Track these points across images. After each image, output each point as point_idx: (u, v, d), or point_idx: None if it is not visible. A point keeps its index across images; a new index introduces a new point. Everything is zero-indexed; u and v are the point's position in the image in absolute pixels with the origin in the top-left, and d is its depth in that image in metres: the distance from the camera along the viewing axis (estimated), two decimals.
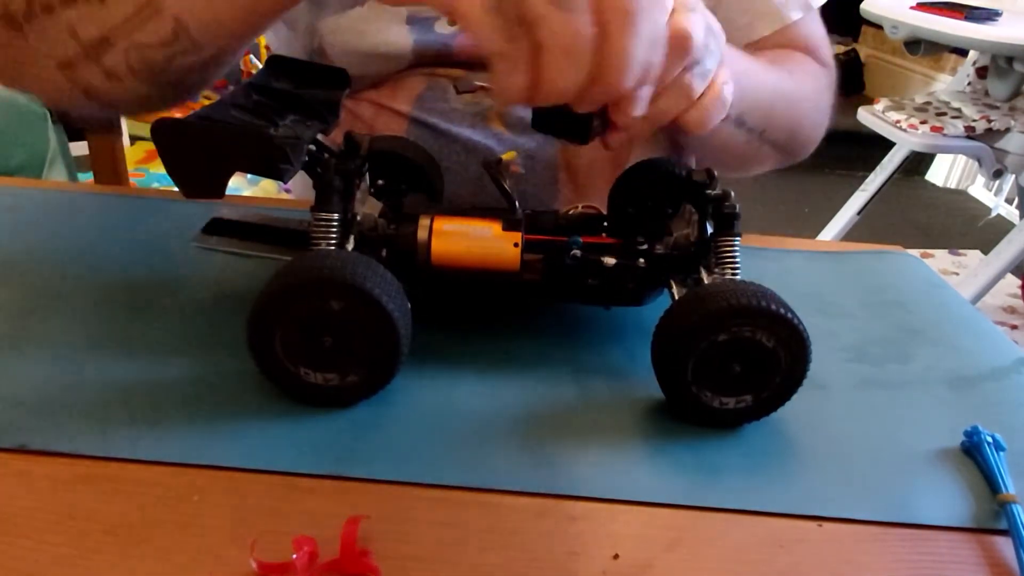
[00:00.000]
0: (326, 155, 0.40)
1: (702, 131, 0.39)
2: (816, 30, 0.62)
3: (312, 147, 0.39)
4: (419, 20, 0.54)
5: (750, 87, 0.50)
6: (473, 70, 0.55)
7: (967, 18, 1.72)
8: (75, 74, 0.44)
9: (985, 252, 1.91)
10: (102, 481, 0.31)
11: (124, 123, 2.15)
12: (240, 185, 2.04)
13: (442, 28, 0.55)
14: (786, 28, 0.59)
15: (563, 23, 0.30)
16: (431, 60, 0.55)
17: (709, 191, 0.40)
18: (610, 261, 0.40)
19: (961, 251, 2.31)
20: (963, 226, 2.52)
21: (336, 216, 0.38)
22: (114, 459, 0.33)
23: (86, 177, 0.93)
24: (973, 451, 0.37)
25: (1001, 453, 0.36)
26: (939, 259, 2.25)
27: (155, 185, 2.15)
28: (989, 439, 0.36)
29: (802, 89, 0.58)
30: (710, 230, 0.40)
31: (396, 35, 0.54)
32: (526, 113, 0.55)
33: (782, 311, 0.34)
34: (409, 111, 0.56)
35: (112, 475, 0.32)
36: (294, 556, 0.28)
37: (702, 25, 0.36)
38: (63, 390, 0.36)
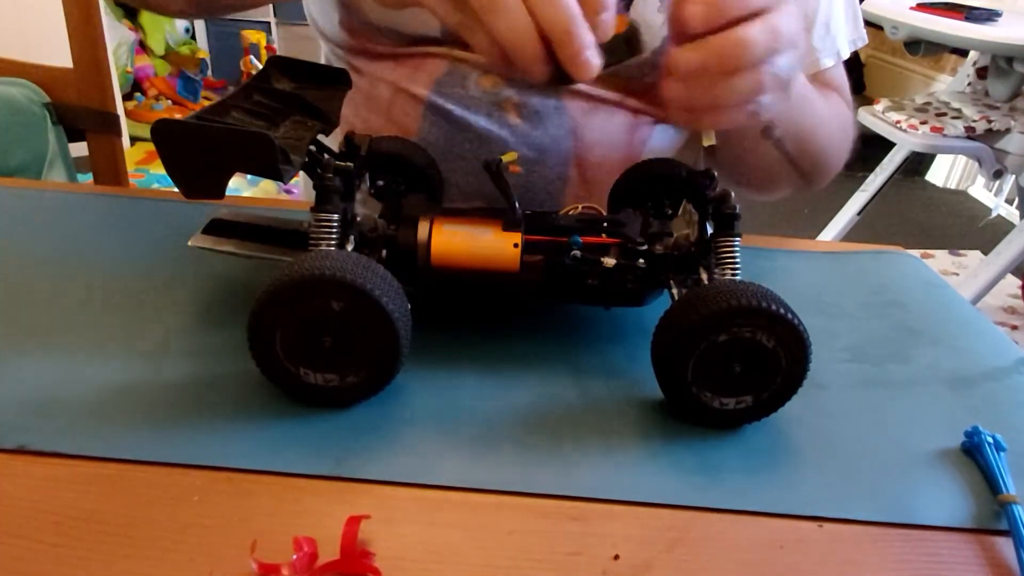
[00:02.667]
0: (326, 156, 0.40)
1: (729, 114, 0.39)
2: (841, 74, 0.66)
3: (312, 148, 0.39)
4: None
5: (798, 112, 0.53)
6: None
7: (967, 18, 1.72)
8: None
9: (985, 252, 1.91)
10: (102, 482, 0.31)
11: (124, 124, 2.16)
12: (240, 186, 2.04)
13: None
14: (818, 72, 0.63)
15: None
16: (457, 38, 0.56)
17: (709, 192, 0.40)
18: (610, 262, 0.40)
19: (961, 251, 2.31)
20: (963, 226, 2.52)
21: (336, 217, 0.38)
22: (114, 460, 0.33)
23: (86, 178, 0.93)
24: (973, 451, 0.37)
25: (1001, 453, 0.36)
26: (939, 259, 2.25)
27: (155, 186, 2.15)
28: (989, 439, 0.36)
29: (833, 123, 0.61)
30: (710, 230, 0.39)
31: None
32: (542, 105, 0.55)
33: (782, 311, 0.34)
34: (426, 95, 0.56)
35: (112, 476, 0.32)
36: (294, 556, 0.28)
37: (774, 31, 0.38)
38: (62, 391, 0.36)
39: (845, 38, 0.64)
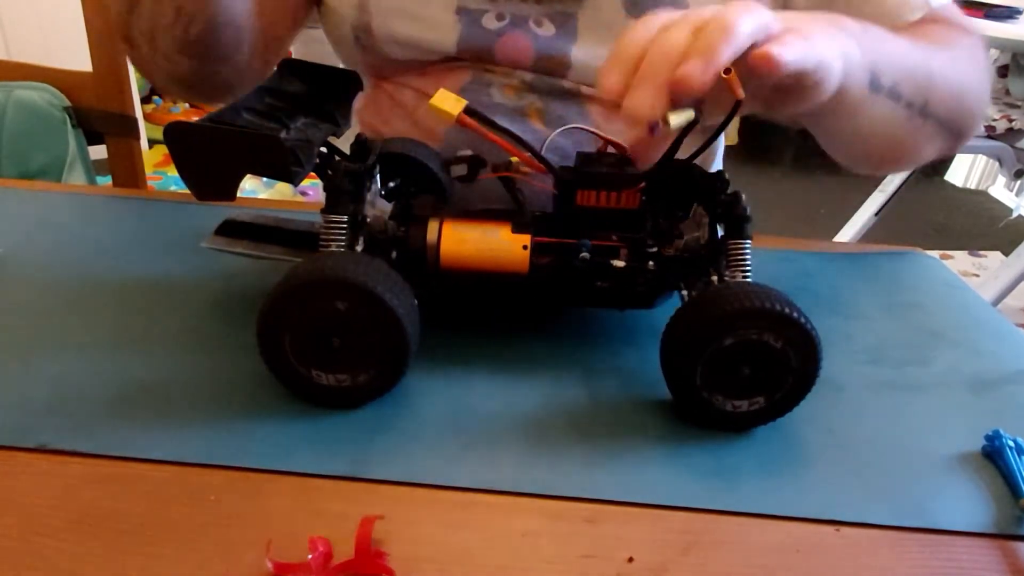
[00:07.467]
0: (336, 157, 0.40)
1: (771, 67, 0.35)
2: (951, 8, 0.58)
3: (323, 149, 0.39)
4: (467, 12, 0.55)
5: (897, 53, 0.47)
6: (517, 68, 0.55)
7: (987, 16, 1.69)
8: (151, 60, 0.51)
9: (1006, 253, 1.88)
10: (120, 480, 0.32)
11: (143, 127, 2.18)
12: (256, 188, 2.06)
13: (489, 23, 0.55)
14: (925, 16, 0.56)
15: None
16: (473, 57, 0.56)
17: (720, 194, 0.39)
18: (619, 264, 0.40)
19: (981, 252, 2.28)
20: (983, 227, 2.49)
21: (345, 218, 0.38)
22: (132, 459, 0.33)
23: (105, 180, 0.94)
24: (994, 455, 0.36)
25: (1023, 457, 0.35)
26: (959, 260, 2.22)
27: (173, 188, 2.17)
28: (1011, 443, 0.36)
29: (959, 58, 0.54)
30: (721, 233, 0.39)
31: (443, 24, 0.55)
32: (565, 111, 0.55)
33: (787, 311, 0.34)
34: None
35: (130, 475, 0.32)
36: (309, 556, 0.28)
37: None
38: (82, 390, 0.37)
39: None
